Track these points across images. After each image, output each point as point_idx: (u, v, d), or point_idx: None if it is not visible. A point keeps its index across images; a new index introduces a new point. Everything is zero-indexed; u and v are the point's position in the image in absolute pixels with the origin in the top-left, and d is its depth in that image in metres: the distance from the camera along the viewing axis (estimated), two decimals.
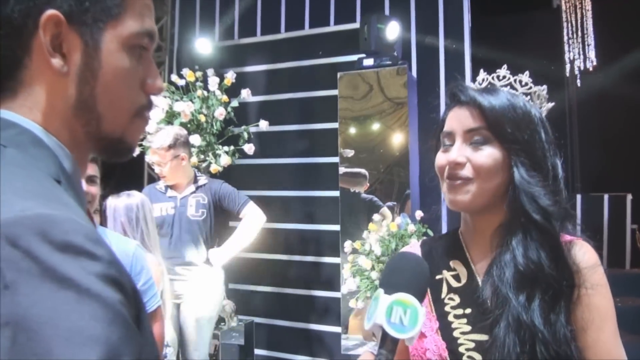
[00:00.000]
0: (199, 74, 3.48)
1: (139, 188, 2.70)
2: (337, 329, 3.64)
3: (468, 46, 3.55)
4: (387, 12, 3.80)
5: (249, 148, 3.46)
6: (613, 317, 0.95)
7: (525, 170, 0.97)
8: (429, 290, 1.00)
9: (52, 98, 0.60)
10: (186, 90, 3.50)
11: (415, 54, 3.72)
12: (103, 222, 2.20)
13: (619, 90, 4.95)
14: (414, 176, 3.37)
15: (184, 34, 4.53)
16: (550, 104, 1.11)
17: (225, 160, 3.38)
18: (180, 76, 3.50)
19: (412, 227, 2.97)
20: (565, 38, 5.31)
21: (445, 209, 2.60)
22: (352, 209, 3.48)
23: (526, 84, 1.08)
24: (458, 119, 1.02)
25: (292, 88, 4.07)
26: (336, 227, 3.59)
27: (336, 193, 3.60)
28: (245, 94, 3.50)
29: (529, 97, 1.07)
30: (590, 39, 5.27)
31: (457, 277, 1.06)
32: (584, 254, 0.96)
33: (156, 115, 3.26)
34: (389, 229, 2.95)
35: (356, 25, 3.73)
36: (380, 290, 0.78)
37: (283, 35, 4.19)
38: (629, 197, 4.53)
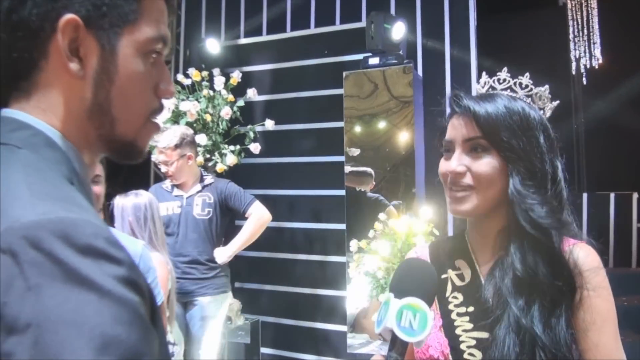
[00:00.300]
0: (204, 73, 3.49)
1: (145, 187, 2.71)
2: (343, 328, 3.65)
3: (474, 45, 3.53)
4: (392, 11, 3.79)
5: (255, 147, 3.47)
6: (614, 320, 0.96)
7: (520, 180, 0.97)
8: None
9: (67, 101, 0.61)
10: (192, 90, 3.51)
11: (420, 53, 3.72)
12: (107, 221, 2.21)
13: (625, 88, 4.93)
14: (419, 175, 3.36)
15: (190, 34, 4.54)
16: (555, 103, 1.11)
17: (231, 159, 3.39)
18: (186, 76, 3.51)
19: (418, 226, 2.97)
20: (571, 36, 5.28)
21: None
22: (358, 208, 3.48)
23: (526, 86, 1.09)
24: (457, 128, 1.03)
25: (298, 87, 4.07)
26: (342, 226, 3.60)
27: (342, 192, 3.60)
28: (251, 93, 3.51)
29: (530, 99, 1.08)
30: (596, 37, 5.24)
31: (461, 276, 1.07)
32: (586, 257, 0.97)
33: (162, 114, 3.26)
34: (394, 229, 2.95)
35: (362, 24, 3.73)
36: (391, 295, 0.80)
37: (289, 34, 4.19)
38: (635, 195, 4.50)
